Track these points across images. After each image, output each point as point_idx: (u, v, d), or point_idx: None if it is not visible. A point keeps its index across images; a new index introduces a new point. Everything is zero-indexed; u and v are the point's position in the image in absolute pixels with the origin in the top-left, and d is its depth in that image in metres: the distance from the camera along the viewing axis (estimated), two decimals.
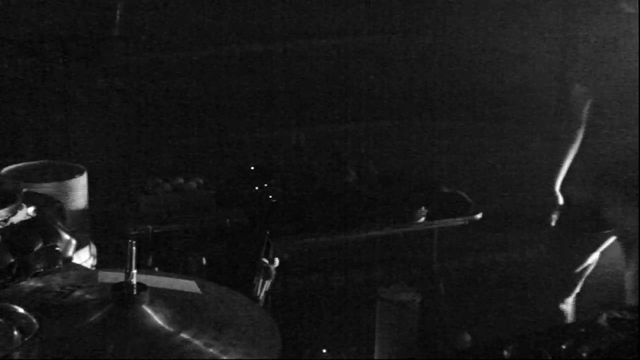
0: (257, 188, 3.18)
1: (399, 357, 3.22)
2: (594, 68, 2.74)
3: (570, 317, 3.01)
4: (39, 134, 3.24)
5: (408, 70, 3.83)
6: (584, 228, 2.88)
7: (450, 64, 3.66)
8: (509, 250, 3.45)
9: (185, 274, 2.76)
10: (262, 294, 2.49)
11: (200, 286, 1.37)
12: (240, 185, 3.19)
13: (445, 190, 3.47)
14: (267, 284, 2.49)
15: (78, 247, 1.64)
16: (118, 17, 3.22)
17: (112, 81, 3.32)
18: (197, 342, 1.16)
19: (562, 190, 2.91)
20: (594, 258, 2.92)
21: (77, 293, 1.28)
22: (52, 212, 1.68)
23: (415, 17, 3.76)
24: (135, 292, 1.20)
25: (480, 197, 3.35)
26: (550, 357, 1.55)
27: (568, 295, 3.00)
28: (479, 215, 3.23)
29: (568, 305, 3.01)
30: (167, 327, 1.19)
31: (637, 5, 2.53)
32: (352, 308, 3.36)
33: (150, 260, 2.84)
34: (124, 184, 3.30)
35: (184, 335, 1.18)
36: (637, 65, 2.59)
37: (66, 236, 1.55)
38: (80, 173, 2.61)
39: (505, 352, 1.56)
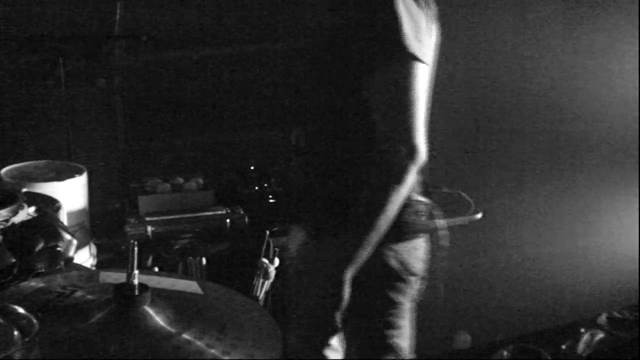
0: (257, 188, 3.18)
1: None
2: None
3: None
4: (39, 134, 3.24)
5: None
6: None
7: (451, 63, 3.66)
8: (509, 250, 3.45)
9: (185, 274, 2.76)
10: (262, 294, 2.49)
11: (202, 287, 1.37)
12: (240, 185, 3.19)
13: (446, 189, 3.47)
14: (267, 284, 2.49)
15: (78, 247, 1.64)
16: (118, 17, 3.22)
17: (112, 81, 3.32)
18: (199, 342, 1.16)
19: None
20: None
21: (79, 293, 1.28)
22: (52, 212, 1.68)
23: None
24: (137, 293, 1.20)
25: (481, 196, 3.35)
26: (549, 357, 1.55)
27: None
28: (479, 215, 3.24)
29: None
30: (168, 327, 1.19)
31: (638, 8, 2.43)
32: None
33: (150, 261, 2.84)
34: (124, 183, 3.30)
35: (185, 336, 1.17)
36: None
37: (67, 236, 1.55)
38: (80, 173, 2.61)
39: (505, 352, 1.56)
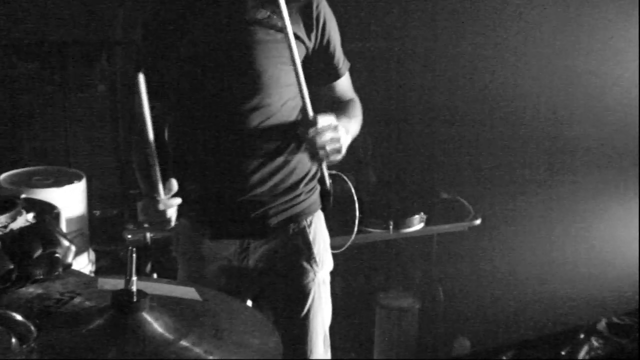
0: None
1: None
2: None
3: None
4: (38, 140, 3.24)
5: (407, 74, 3.83)
6: None
7: (450, 69, 3.67)
8: (508, 256, 3.45)
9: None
10: None
11: (200, 293, 1.37)
12: None
13: (445, 195, 3.47)
14: None
15: (76, 254, 1.64)
16: (121, 21, 3.22)
17: (112, 87, 3.32)
18: (197, 349, 1.16)
19: None
20: None
21: (77, 300, 1.28)
22: (51, 218, 1.68)
23: (415, 20, 3.77)
24: (135, 300, 1.20)
25: (480, 202, 3.35)
26: None
27: None
28: (478, 221, 3.24)
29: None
30: (167, 334, 1.19)
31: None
32: (351, 314, 3.36)
33: (148, 267, 2.84)
34: (122, 190, 3.30)
35: (184, 343, 1.17)
36: None
37: (66, 242, 1.55)
38: (79, 179, 2.61)
39: (504, 358, 1.56)
